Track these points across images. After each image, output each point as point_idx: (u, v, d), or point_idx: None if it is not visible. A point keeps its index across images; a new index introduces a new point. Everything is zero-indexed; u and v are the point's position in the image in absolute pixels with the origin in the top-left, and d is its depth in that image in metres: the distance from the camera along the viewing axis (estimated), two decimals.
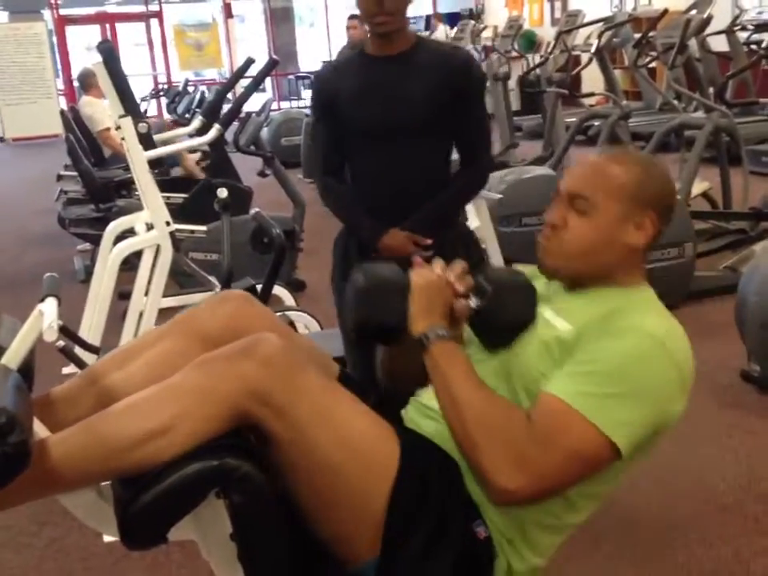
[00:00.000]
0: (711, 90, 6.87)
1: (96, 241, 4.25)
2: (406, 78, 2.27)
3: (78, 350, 2.26)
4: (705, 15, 6.37)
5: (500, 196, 2.85)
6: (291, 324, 2.18)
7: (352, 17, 7.63)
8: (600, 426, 1.31)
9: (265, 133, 7.74)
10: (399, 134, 2.28)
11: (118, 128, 3.25)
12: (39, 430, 1.35)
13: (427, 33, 9.76)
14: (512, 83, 8.90)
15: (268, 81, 16.72)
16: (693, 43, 7.38)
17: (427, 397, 1.56)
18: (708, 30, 7.06)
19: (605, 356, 1.35)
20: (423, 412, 1.57)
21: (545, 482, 1.32)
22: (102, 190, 5.45)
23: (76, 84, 8.42)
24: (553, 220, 1.50)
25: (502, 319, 1.51)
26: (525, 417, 1.36)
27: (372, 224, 2.33)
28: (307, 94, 17.55)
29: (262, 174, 5.94)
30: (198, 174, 6.10)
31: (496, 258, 3.12)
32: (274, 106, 13.25)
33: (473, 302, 1.50)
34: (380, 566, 1.38)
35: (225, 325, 1.57)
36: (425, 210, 2.31)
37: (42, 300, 1.42)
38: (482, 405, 1.36)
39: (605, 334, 1.37)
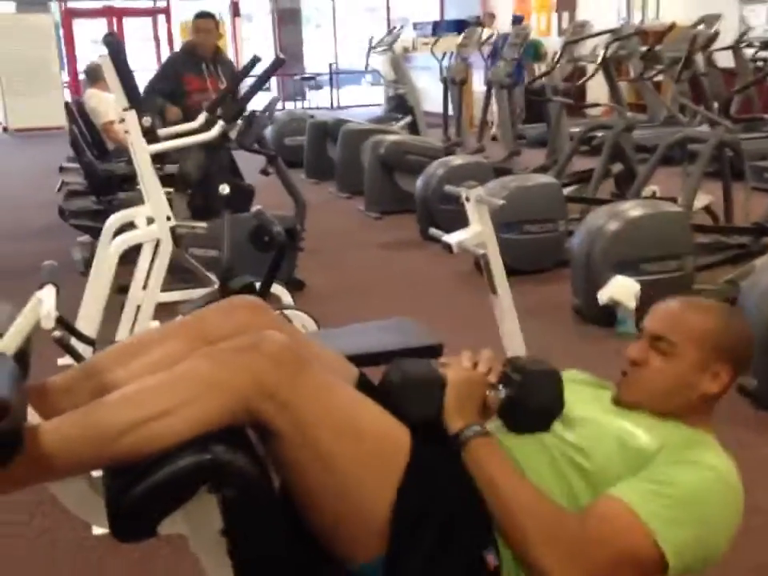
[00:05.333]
0: (716, 104, 6.87)
1: (96, 233, 4.23)
2: None
3: (74, 342, 2.25)
4: (712, 31, 6.39)
5: (502, 202, 2.82)
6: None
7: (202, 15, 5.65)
8: (659, 539, 1.34)
9: (269, 132, 7.73)
10: None
11: (122, 121, 3.24)
12: (32, 417, 1.34)
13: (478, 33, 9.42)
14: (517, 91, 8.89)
15: (273, 81, 16.69)
16: (699, 58, 7.39)
17: None
18: (714, 46, 7.09)
19: (680, 482, 1.39)
20: None
21: None
22: (103, 182, 5.43)
23: (81, 77, 8.40)
24: (634, 357, 1.57)
25: (532, 407, 1.54)
26: (574, 515, 1.39)
27: None
28: (312, 95, 17.54)
29: (264, 173, 5.93)
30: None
31: (496, 264, 3.10)
32: (279, 106, 13.25)
33: (501, 392, 1.54)
34: (386, 566, 1.37)
35: (236, 332, 1.52)
36: None
37: (41, 287, 1.41)
38: (530, 499, 1.38)
39: (683, 461, 1.43)
